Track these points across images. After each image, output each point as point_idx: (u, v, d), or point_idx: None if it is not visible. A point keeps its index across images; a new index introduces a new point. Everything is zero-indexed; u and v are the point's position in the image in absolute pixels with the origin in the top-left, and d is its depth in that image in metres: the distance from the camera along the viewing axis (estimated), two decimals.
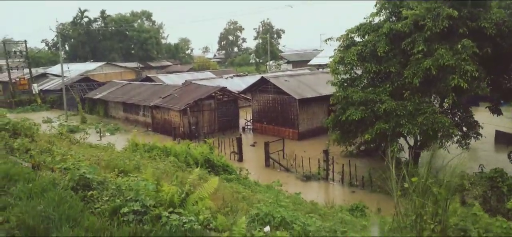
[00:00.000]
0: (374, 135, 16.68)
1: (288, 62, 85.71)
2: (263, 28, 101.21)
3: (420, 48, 16.45)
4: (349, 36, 19.68)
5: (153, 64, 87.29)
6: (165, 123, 34.22)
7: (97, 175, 5.92)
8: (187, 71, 71.00)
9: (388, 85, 17.68)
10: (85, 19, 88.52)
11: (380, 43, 17.70)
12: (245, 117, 35.71)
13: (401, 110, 16.24)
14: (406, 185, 4.72)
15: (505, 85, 19.49)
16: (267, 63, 76.95)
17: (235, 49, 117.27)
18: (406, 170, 4.56)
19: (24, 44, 58.00)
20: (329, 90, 30.17)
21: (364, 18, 19.60)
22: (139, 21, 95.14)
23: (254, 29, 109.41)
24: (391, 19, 18.99)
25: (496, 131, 23.95)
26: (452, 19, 16.04)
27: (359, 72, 20.01)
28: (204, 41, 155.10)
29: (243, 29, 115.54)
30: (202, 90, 34.53)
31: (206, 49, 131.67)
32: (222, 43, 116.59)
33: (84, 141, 16.54)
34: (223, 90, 34.77)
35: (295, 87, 30.53)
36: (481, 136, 18.32)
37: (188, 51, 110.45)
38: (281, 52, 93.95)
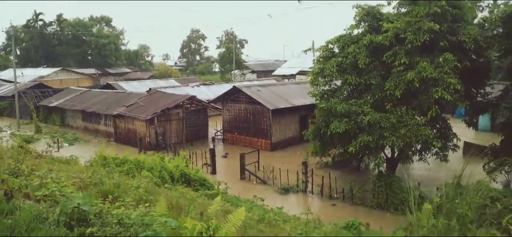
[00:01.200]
0: (358, 148, 16.35)
1: (253, 72, 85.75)
2: (226, 37, 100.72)
3: (402, 61, 16.40)
4: (329, 47, 19.39)
5: (111, 70, 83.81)
6: (129, 133, 32.46)
7: (93, 204, 4.89)
8: (148, 79, 68.93)
9: (369, 97, 17.46)
10: (40, 22, 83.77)
11: (360, 55, 17.51)
12: (214, 127, 34.67)
13: (385, 123, 16.02)
14: (426, 206, 4.30)
15: (476, 98, 20.00)
16: (232, 72, 76.25)
17: (197, 57, 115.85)
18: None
19: None
20: (301, 100, 30.03)
21: (344, 30, 19.42)
22: (98, 26, 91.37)
23: (217, 38, 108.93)
24: (370, 32, 18.89)
25: (465, 142, 24.48)
26: (433, 32, 16.13)
27: (338, 83, 19.73)
28: (163, 49, 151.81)
29: (206, 37, 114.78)
30: (170, 98, 33.13)
31: (166, 57, 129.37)
32: (184, 50, 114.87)
33: (46, 154, 14.94)
34: (192, 99, 33.60)
35: (268, 97, 29.96)
36: (459, 148, 18.53)
37: (148, 58, 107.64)
38: (245, 61, 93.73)
